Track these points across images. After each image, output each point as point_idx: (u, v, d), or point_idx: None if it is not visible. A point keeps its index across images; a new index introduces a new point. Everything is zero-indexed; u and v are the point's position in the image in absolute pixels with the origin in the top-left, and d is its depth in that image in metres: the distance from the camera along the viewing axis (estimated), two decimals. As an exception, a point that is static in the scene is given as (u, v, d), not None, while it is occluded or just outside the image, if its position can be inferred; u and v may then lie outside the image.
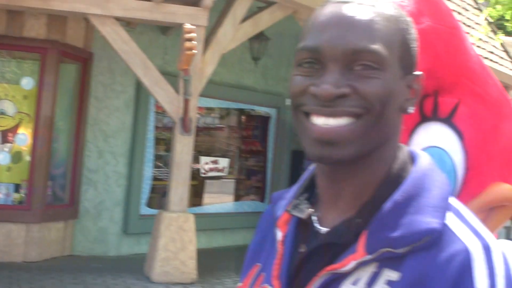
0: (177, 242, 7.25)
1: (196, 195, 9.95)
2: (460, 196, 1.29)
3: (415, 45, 1.00)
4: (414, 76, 0.99)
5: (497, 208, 1.32)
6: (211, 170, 10.42)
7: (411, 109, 0.97)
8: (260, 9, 8.45)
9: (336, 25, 0.92)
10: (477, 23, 12.17)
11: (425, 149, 1.23)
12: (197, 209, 9.50)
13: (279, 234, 1.05)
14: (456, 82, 1.34)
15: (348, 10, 0.93)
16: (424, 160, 1.00)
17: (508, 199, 1.32)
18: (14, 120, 8.07)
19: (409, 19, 1.01)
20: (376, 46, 0.92)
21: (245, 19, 8.09)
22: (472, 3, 12.53)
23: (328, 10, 0.95)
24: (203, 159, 10.51)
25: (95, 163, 8.74)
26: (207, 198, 10.11)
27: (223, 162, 10.53)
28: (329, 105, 0.90)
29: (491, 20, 10.88)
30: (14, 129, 8.01)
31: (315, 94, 0.90)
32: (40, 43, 8.04)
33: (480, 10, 12.37)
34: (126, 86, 9.15)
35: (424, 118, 1.34)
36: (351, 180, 0.98)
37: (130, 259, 8.26)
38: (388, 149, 0.99)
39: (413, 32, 1.01)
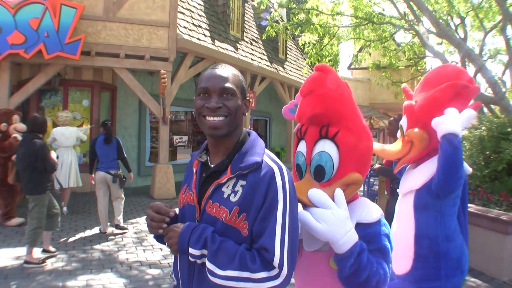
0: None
1: None
2: (335, 176, 1.88)
3: (246, 86, 1.74)
4: (246, 100, 1.74)
5: (351, 184, 1.89)
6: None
7: (246, 113, 1.74)
8: (198, 61, 12.28)
9: (214, 76, 1.65)
10: (304, 66, 17.80)
11: (319, 152, 1.89)
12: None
13: (194, 169, 1.78)
14: (338, 120, 1.87)
15: (219, 71, 1.66)
16: (253, 134, 1.75)
17: (355, 181, 1.88)
18: (79, 121, 11.32)
19: (242, 76, 1.76)
20: (231, 85, 1.64)
21: (191, 66, 11.76)
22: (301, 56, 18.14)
23: (211, 71, 1.68)
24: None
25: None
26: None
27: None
28: (214, 112, 1.62)
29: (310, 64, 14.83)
30: (80, 125, 10.90)
31: (208, 107, 1.62)
32: (90, 82, 11.56)
33: (305, 59, 17.97)
34: (134, 102, 12.81)
35: (321, 137, 1.88)
36: (224, 143, 1.70)
37: None
38: (238, 130, 1.72)
39: (244, 81, 1.75)
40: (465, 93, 2.86)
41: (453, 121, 2.64)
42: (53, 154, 6.07)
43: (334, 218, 1.71)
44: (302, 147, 2.00)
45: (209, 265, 1.54)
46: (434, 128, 2.71)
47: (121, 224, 7.74)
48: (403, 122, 3.09)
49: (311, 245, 1.95)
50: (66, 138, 8.52)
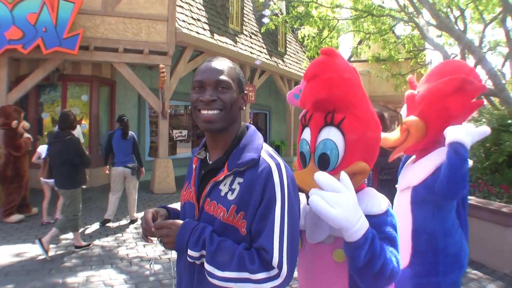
0: None
1: None
2: (340, 165, 1.81)
3: (243, 79, 1.68)
4: (244, 94, 1.70)
5: (357, 173, 1.81)
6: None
7: (243, 107, 1.68)
8: (197, 55, 12.35)
9: (209, 69, 1.61)
10: (303, 59, 17.86)
11: (323, 140, 1.82)
12: None
13: (194, 166, 1.77)
14: (345, 106, 1.80)
15: (214, 63, 1.62)
16: (252, 128, 1.72)
17: (361, 170, 1.81)
18: (79, 116, 11.19)
19: (239, 69, 1.70)
20: (226, 78, 1.60)
21: (190, 60, 11.82)
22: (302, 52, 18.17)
23: (206, 63, 1.64)
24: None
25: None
26: None
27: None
28: (208, 105, 1.57)
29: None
30: (79, 121, 11.03)
31: (202, 100, 1.58)
32: (89, 77, 11.53)
33: (304, 52, 18.03)
34: (133, 96, 12.75)
35: (326, 124, 1.82)
36: (221, 139, 1.66)
37: None
38: (235, 125, 1.67)
39: (242, 74, 1.71)
40: (469, 89, 2.82)
41: (462, 132, 2.59)
42: None
43: (348, 202, 1.56)
44: (307, 134, 1.92)
45: (207, 266, 1.51)
46: (444, 135, 2.67)
47: (136, 217, 8.18)
48: (403, 111, 3.06)
49: (314, 236, 1.88)
50: None
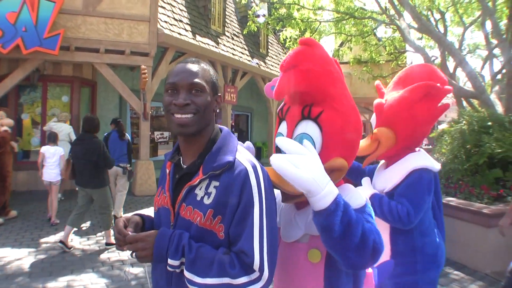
0: None
1: None
2: None
3: (217, 81, 1.68)
4: (217, 96, 1.68)
5: (335, 170, 1.72)
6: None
7: (217, 110, 1.67)
8: (179, 56, 12.35)
9: (183, 71, 1.58)
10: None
11: (300, 134, 1.72)
12: None
13: (167, 170, 1.73)
14: (323, 100, 1.72)
15: (188, 65, 1.59)
16: (225, 130, 1.71)
17: (339, 167, 1.73)
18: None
19: (213, 71, 1.69)
20: (200, 81, 1.57)
21: (172, 61, 11.84)
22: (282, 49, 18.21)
23: (180, 65, 1.61)
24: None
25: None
26: None
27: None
28: (182, 109, 1.54)
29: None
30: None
31: (175, 104, 1.55)
32: (70, 77, 11.36)
33: (286, 54, 17.93)
34: (114, 97, 12.64)
35: (303, 117, 1.73)
36: (194, 142, 1.64)
37: None
38: (209, 128, 1.65)
39: (216, 76, 1.69)
40: (435, 94, 2.87)
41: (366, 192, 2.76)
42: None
43: (314, 164, 1.48)
44: (283, 128, 1.83)
45: (187, 274, 1.48)
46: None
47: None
48: (373, 119, 3.10)
49: (289, 235, 1.82)
50: (58, 132, 8.56)
